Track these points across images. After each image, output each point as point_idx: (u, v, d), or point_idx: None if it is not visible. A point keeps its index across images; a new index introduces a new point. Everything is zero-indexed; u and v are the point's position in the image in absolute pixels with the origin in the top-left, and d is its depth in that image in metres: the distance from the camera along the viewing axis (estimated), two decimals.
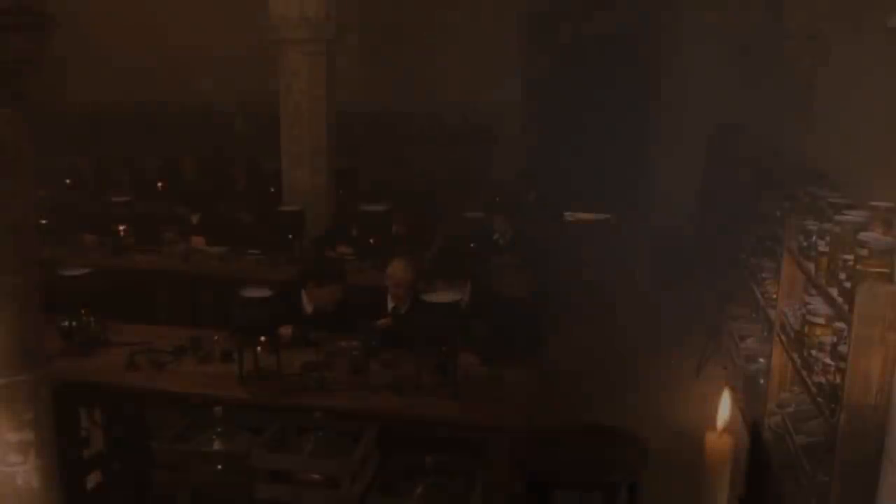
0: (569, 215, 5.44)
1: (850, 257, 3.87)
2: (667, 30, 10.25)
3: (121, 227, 6.97)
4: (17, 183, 3.17)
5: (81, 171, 9.51)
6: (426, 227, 7.48)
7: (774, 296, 5.41)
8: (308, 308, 5.19)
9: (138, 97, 10.84)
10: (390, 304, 5.24)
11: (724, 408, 1.89)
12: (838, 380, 3.86)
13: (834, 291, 4.04)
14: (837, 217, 4.25)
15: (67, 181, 9.02)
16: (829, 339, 4.17)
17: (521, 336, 4.96)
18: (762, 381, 5.71)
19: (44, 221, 6.68)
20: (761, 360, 5.93)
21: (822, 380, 4.10)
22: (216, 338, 4.83)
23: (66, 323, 4.85)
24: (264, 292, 4.44)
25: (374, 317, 5.12)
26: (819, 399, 4.11)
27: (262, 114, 10.14)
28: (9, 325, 3.19)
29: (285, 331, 4.72)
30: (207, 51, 10.14)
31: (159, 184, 8.75)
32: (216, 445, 4.10)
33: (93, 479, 4.92)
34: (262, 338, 4.40)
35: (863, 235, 3.81)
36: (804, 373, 4.42)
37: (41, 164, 3.78)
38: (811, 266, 4.51)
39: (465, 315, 4.93)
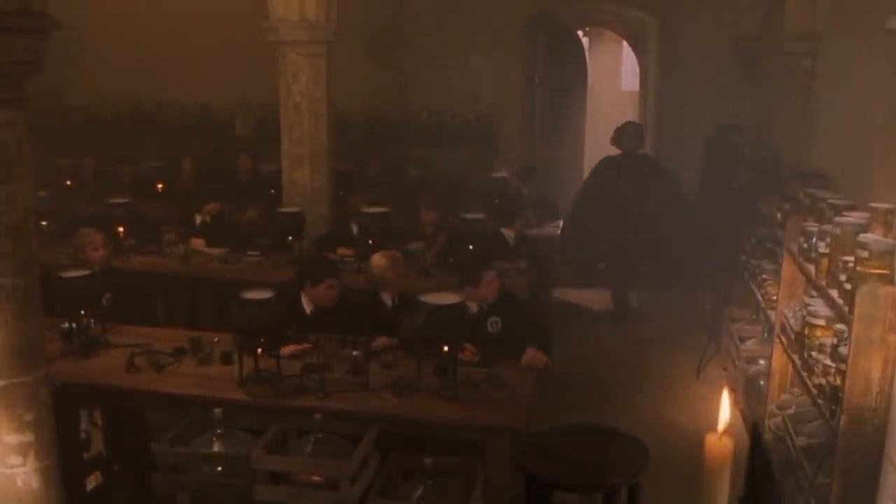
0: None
1: (851, 259, 3.87)
2: (667, 28, 10.26)
3: (120, 229, 6.96)
4: (17, 184, 3.17)
5: (81, 173, 9.51)
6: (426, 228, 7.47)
7: (775, 297, 5.41)
8: (308, 308, 5.19)
9: (138, 98, 10.85)
10: (388, 298, 5.24)
11: (725, 409, 1.88)
12: (839, 381, 3.86)
13: (834, 293, 4.04)
14: (837, 219, 4.25)
15: (68, 182, 9.02)
16: (829, 340, 4.17)
17: (526, 337, 4.96)
18: (762, 382, 5.71)
19: (44, 223, 6.68)
20: (762, 361, 5.93)
21: (823, 381, 4.10)
22: (216, 339, 4.83)
23: (66, 324, 4.85)
24: (265, 294, 4.44)
25: (370, 316, 5.11)
26: (819, 401, 4.11)
27: (263, 115, 10.18)
28: (9, 326, 3.19)
29: (286, 349, 4.65)
30: (207, 52, 10.14)
31: (159, 185, 8.74)
32: (216, 447, 4.10)
33: (93, 481, 4.92)
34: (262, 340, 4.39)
35: (863, 237, 3.81)
36: (804, 374, 4.42)
37: (41, 166, 3.78)
38: (811, 268, 4.52)
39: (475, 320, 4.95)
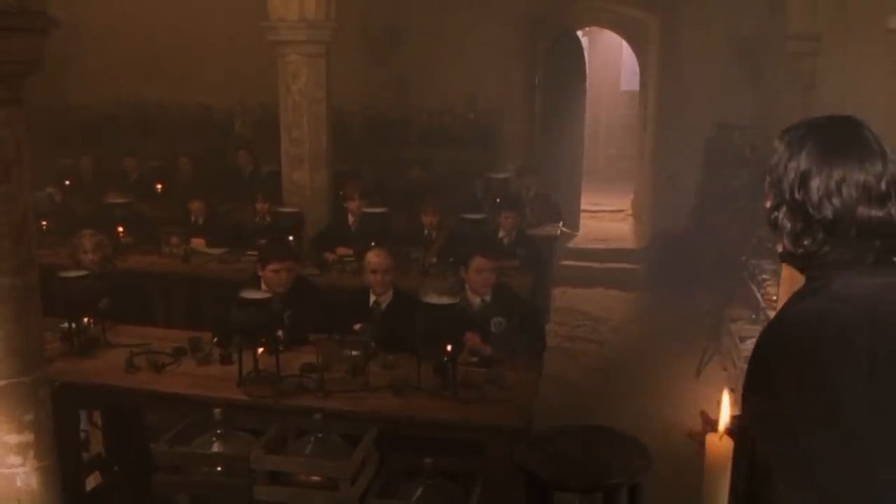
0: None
1: None
2: (667, 28, 10.26)
3: (119, 229, 6.95)
4: (16, 184, 3.17)
5: (80, 172, 9.50)
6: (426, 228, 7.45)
7: (775, 297, 5.41)
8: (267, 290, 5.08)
9: (137, 98, 10.84)
10: (372, 298, 5.21)
11: (725, 410, 1.88)
12: None
13: None
14: None
15: (67, 182, 9.01)
16: None
17: (527, 335, 4.95)
18: None
19: (43, 223, 6.67)
20: None
21: None
22: (215, 339, 4.82)
23: (66, 324, 4.84)
24: (265, 294, 4.43)
25: (358, 315, 5.09)
26: None
27: (262, 115, 10.17)
28: (8, 326, 3.19)
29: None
30: (206, 52, 10.14)
31: (158, 186, 8.73)
32: (215, 447, 4.08)
33: (92, 481, 4.91)
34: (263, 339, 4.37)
35: None
36: None
37: (40, 166, 3.78)
38: None
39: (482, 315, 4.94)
